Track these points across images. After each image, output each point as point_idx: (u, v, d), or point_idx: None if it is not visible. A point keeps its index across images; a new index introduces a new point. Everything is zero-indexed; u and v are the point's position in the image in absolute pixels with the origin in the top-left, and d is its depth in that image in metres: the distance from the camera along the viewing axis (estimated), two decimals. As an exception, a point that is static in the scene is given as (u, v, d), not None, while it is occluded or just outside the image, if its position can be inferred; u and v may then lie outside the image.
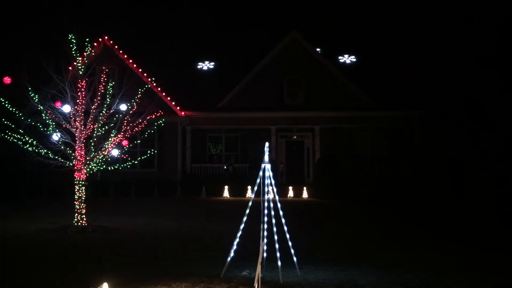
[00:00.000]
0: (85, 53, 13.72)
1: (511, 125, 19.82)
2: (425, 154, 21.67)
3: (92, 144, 13.73)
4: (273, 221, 8.29)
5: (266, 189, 8.38)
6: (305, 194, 22.20)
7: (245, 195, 21.34)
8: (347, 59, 27.27)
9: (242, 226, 8.36)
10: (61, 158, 13.63)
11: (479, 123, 20.52)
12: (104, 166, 14.15)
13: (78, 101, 13.48)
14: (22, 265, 9.14)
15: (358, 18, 32.17)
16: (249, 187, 21.07)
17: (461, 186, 18.98)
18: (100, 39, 22.49)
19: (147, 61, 24.78)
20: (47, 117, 13.22)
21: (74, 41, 13.31)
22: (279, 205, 8.47)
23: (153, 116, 14.90)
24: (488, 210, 15.36)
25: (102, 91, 14.02)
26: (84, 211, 13.48)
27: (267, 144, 8.64)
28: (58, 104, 13.20)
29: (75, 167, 13.55)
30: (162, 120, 15.38)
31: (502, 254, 10.09)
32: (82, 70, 13.54)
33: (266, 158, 8.51)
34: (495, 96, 20.73)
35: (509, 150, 19.32)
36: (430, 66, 24.46)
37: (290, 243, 8.49)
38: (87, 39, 13.58)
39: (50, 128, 13.31)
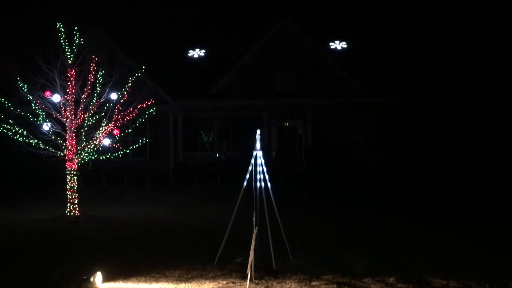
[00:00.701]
0: (74, 42, 13.55)
1: (506, 114, 19.72)
2: (415, 143, 21.74)
3: (83, 133, 13.65)
4: (265, 208, 8.33)
5: (258, 176, 8.41)
6: (297, 181, 22.26)
7: (237, 183, 21.28)
8: (338, 45, 27.21)
9: (234, 214, 8.41)
10: (52, 148, 13.54)
11: (472, 114, 20.51)
12: (96, 156, 14.09)
13: (68, 90, 13.36)
14: (14, 256, 9.13)
15: (350, 3, 31.96)
16: (241, 175, 20.95)
17: (451, 177, 18.97)
18: (89, 28, 22.18)
19: (137, 49, 24.55)
20: (36, 107, 13.11)
21: (63, 30, 13.15)
22: (271, 192, 8.51)
23: (144, 105, 14.80)
24: (477, 201, 15.42)
25: (92, 80, 13.89)
26: (76, 201, 13.44)
27: (258, 131, 8.64)
28: (47, 94, 13.08)
29: (66, 157, 13.48)
30: (153, 109, 15.28)
31: (488, 245, 10.14)
32: (72, 59, 13.40)
33: (258, 145, 8.53)
34: (489, 85, 20.68)
35: (503, 141, 19.24)
36: (423, 53, 24.43)
37: (283, 230, 8.56)
38: (76, 28, 13.41)
39: (40, 118, 13.20)
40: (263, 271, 7.79)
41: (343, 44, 27.22)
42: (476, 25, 22.43)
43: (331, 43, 27.14)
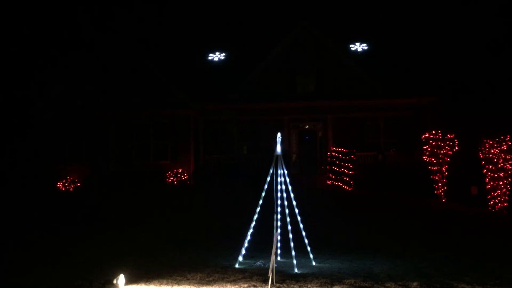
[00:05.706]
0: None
1: None
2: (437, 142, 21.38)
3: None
4: (287, 211, 8.31)
5: (279, 179, 8.40)
6: (318, 184, 22.13)
7: (258, 186, 21.20)
8: (358, 47, 26.97)
9: (255, 217, 8.41)
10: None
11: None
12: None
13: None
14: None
15: (370, 4, 31.77)
16: (262, 178, 20.85)
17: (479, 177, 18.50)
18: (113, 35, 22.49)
19: (157, 53, 24.75)
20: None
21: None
22: (292, 195, 8.49)
23: (166, 109, 14.90)
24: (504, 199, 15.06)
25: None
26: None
27: (279, 134, 8.65)
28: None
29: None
30: (174, 113, 15.37)
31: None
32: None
33: (279, 148, 8.53)
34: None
35: None
36: (443, 52, 24.16)
37: (304, 233, 8.52)
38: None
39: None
40: (284, 275, 7.76)
41: (364, 46, 26.98)
42: (497, 22, 22.07)
43: (351, 45, 26.94)
